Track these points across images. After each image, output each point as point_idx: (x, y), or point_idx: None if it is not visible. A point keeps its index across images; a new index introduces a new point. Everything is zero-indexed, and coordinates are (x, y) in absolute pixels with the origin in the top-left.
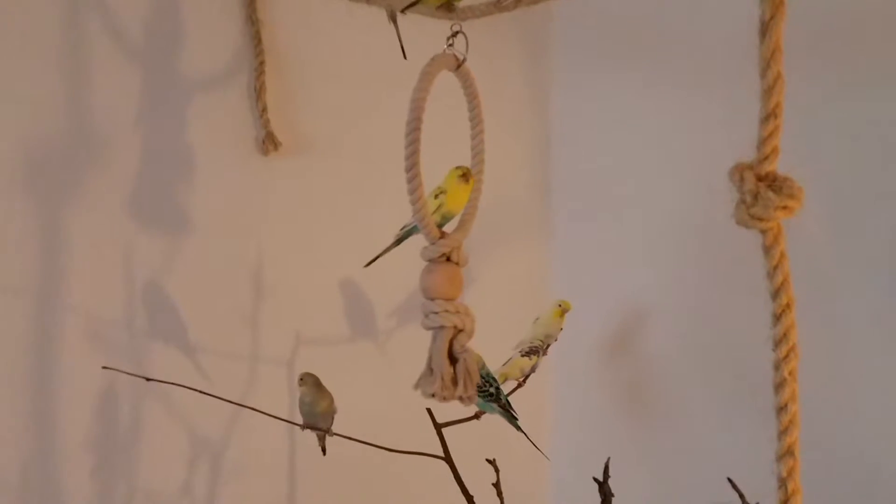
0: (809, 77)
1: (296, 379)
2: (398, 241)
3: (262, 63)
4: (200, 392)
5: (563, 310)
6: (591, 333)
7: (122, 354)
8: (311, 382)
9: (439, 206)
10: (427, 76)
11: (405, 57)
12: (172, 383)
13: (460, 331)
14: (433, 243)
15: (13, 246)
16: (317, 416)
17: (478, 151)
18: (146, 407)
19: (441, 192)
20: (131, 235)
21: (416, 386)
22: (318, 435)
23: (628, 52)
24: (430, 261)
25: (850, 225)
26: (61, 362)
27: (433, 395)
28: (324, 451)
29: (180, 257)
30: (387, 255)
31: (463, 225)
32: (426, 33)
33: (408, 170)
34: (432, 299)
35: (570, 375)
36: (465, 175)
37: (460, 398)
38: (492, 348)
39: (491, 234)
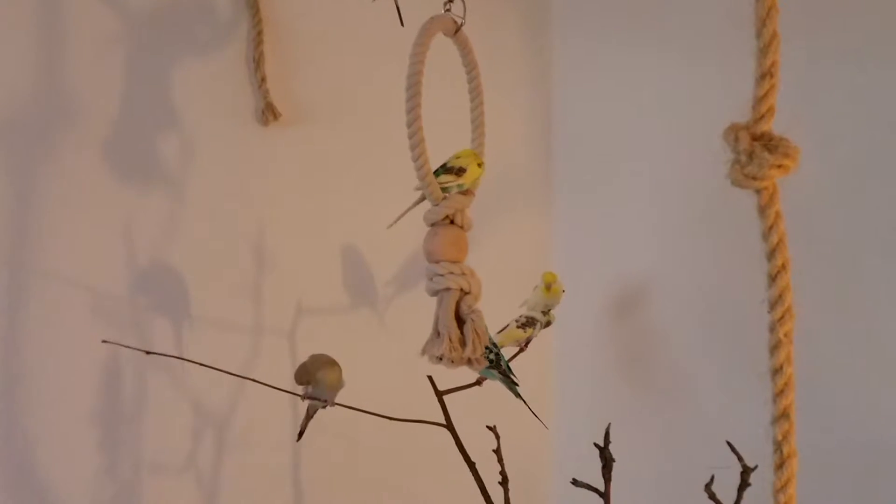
0: (807, 37)
1: (298, 348)
2: (421, 200)
3: (260, 33)
4: (200, 364)
5: (546, 284)
6: (594, 301)
7: (123, 328)
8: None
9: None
10: (426, 32)
11: (402, 24)
12: (172, 356)
13: (466, 293)
14: (436, 204)
15: (5, 219)
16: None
17: (478, 124)
18: (150, 379)
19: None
20: (130, 208)
21: (424, 351)
22: (309, 410)
23: (629, 18)
24: (434, 224)
25: (848, 185)
26: (62, 336)
27: (440, 359)
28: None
29: (180, 229)
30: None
31: (468, 189)
32: (424, 3)
33: (409, 124)
34: (437, 262)
35: (572, 342)
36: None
37: (469, 360)
38: (492, 316)
39: (492, 203)
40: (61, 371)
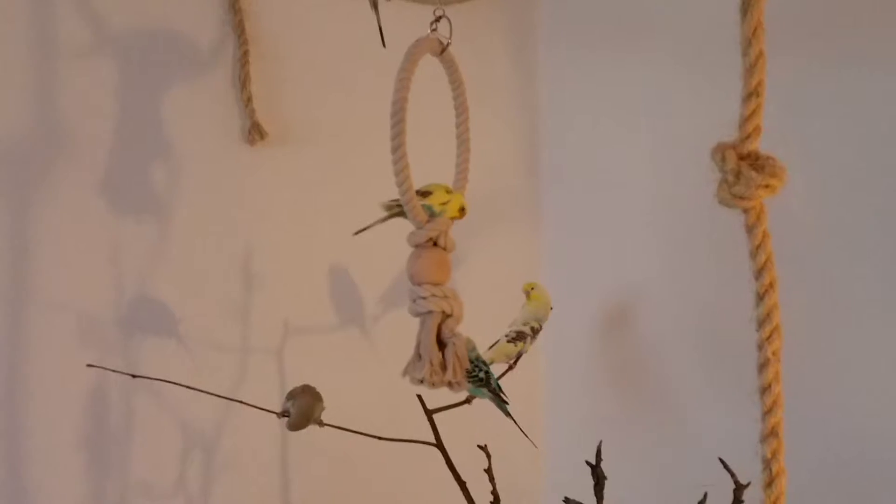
0: (793, 55)
1: (286, 367)
2: (389, 217)
3: (246, 53)
4: (187, 387)
5: (525, 292)
6: (583, 317)
7: (110, 350)
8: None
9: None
10: (411, 57)
11: (384, 45)
12: (159, 379)
13: (448, 316)
14: (420, 227)
15: None
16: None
17: (463, 140)
18: (137, 402)
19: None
20: (117, 229)
21: (405, 372)
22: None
23: (615, 32)
24: (417, 246)
25: (834, 203)
26: (48, 360)
27: (422, 382)
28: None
29: (167, 250)
30: (377, 243)
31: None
32: (409, 22)
33: (394, 150)
34: (420, 284)
35: (562, 359)
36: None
37: (449, 384)
38: (481, 332)
39: (480, 219)
40: (49, 394)
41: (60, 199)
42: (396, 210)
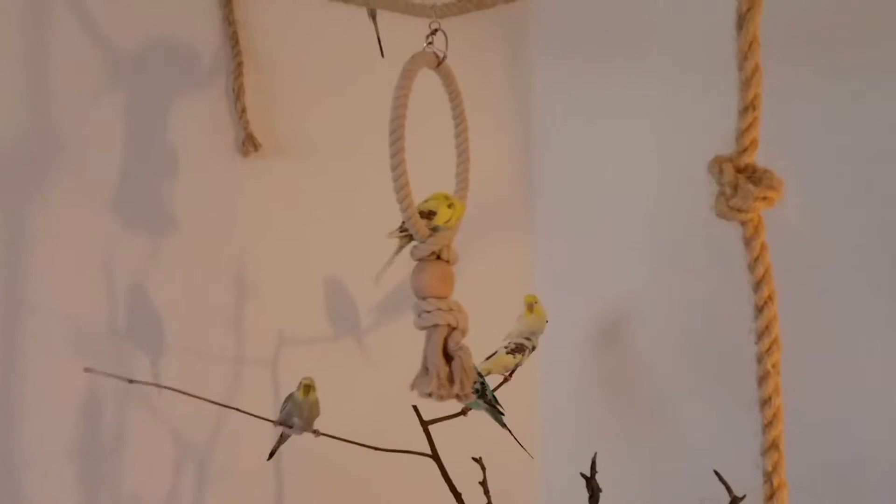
0: (789, 67)
1: (280, 378)
2: (402, 247)
3: (240, 64)
4: (184, 393)
5: (528, 305)
6: (579, 328)
7: (103, 359)
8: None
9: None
10: (407, 74)
11: (383, 55)
12: (155, 384)
13: (454, 329)
14: (423, 242)
15: None
16: (312, 420)
17: (462, 150)
18: (130, 411)
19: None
20: (112, 239)
21: (413, 386)
22: (283, 434)
23: (610, 45)
24: (421, 259)
25: (831, 215)
26: (41, 368)
27: (430, 395)
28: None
29: (162, 260)
30: (371, 254)
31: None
32: (406, 31)
33: (393, 168)
34: (425, 298)
35: (558, 371)
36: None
37: (457, 396)
38: (476, 344)
39: (475, 230)
40: (42, 402)
41: (55, 207)
42: (407, 237)
